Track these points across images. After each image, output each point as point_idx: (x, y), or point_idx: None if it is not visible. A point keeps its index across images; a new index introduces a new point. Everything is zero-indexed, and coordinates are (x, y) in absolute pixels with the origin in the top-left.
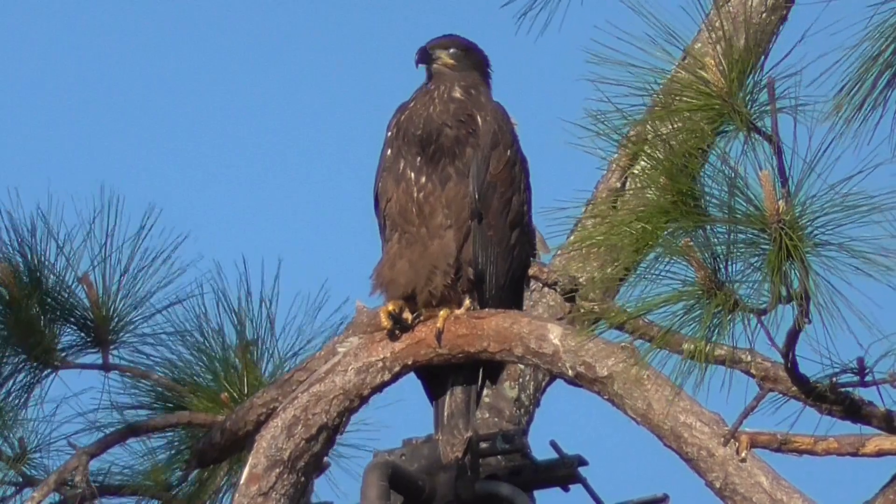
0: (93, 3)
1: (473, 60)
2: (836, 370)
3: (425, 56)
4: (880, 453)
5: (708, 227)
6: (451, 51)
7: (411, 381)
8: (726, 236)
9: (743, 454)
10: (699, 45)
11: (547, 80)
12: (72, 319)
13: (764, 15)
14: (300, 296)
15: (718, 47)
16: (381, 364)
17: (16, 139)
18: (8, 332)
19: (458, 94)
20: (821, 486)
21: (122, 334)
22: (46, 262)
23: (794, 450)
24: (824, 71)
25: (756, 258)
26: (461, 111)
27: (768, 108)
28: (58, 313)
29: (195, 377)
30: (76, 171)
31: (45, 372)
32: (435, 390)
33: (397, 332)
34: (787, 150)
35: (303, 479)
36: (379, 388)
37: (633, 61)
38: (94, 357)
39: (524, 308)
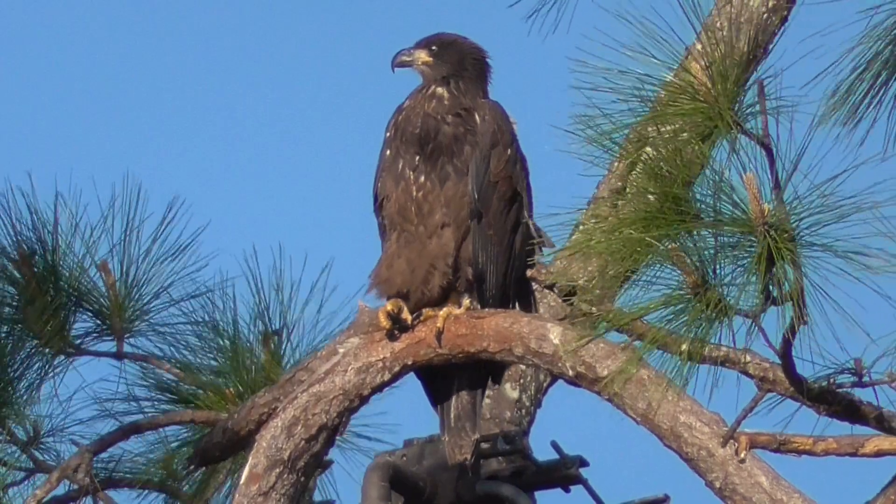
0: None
1: (456, 53)
2: (834, 371)
3: (398, 61)
4: (879, 453)
5: (695, 232)
6: (432, 48)
7: (412, 382)
8: (713, 240)
9: (742, 454)
10: (699, 46)
11: (555, 80)
12: (87, 307)
13: (765, 16)
14: (316, 289)
15: (709, 51)
16: (380, 364)
17: (35, 128)
18: (22, 316)
19: (442, 89)
20: (821, 486)
21: (137, 323)
22: (65, 249)
23: (793, 450)
24: (821, 72)
25: (744, 261)
26: (455, 106)
27: (756, 109)
28: (73, 300)
29: (206, 369)
30: (94, 161)
31: (59, 359)
32: (436, 391)
33: (396, 332)
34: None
35: (303, 478)
36: (379, 388)
37: (623, 68)
38: (108, 345)
39: (535, 307)
